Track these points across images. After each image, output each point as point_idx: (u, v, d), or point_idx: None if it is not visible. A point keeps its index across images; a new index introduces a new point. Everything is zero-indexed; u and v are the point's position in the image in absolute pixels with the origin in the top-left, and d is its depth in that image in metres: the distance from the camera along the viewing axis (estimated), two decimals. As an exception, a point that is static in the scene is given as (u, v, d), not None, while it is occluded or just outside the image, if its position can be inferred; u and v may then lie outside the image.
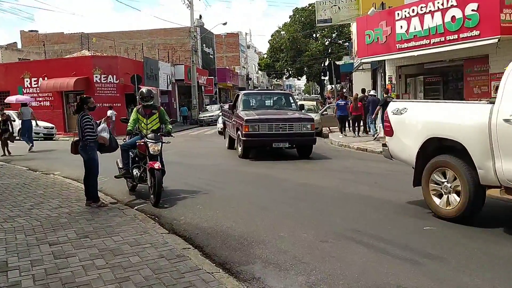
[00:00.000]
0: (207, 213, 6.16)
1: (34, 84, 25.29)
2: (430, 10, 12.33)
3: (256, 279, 3.88)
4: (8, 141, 14.11)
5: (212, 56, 45.73)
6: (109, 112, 21.04)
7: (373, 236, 4.95)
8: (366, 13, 16.47)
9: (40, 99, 25.18)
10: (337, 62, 31.00)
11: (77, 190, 7.71)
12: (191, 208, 6.46)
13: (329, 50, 49.08)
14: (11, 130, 14.10)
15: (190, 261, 4.15)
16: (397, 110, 6.21)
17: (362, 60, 17.20)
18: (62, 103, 25.12)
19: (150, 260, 4.19)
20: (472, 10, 11.18)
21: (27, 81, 25.43)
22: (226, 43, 55.59)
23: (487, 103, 5.09)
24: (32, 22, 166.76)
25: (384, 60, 15.79)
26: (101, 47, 37.33)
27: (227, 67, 51.80)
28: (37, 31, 42.77)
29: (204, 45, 41.38)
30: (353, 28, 21.25)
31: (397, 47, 13.65)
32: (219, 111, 26.41)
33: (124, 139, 7.66)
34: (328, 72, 28.23)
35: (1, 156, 13.73)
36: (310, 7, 46.75)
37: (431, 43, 12.45)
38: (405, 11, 13.21)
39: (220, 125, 20.47)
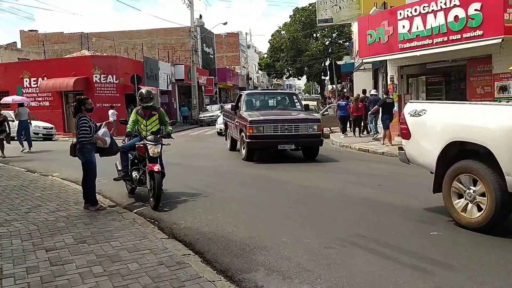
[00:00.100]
0: (207, 216, 6.04)
1: (34, 84, 25.15)
2: (432, 10, 12.20)
3: (259, 288, 3.75)
4: (5, 142, 13.88)
5: (212, 56, 45.60)
6: (110, 112, 20.98)
7: (379, 241, 4.81)
8: (367, 13, 16.36)
9: (40, 99, 25.04)
10: (338, 62, 30.84)
11: (75, 192, 7.58)
12: (191, 211, 6.34)
13: (330, 50, 48.99)
14: (8, 131, 13.89)
15: (191, 268, 4.03)
16: (415, 112, 5.85)
17: (364, 60, 17.06)
18: (61, 103, 24.98)
19: (149, 267, 4.07)
20: (476, 10, 11.06)
21: (26, 81, 25.29)
22: (226, 43, 55.48)
23: None
24: (31, 22, 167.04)
25: (386, 60, 15.66)
26: (101, 47, 37.21)
27: (227, 67, 51.66)
28: (37, 30, 42.63)
29: (204, 45, 41.26)
30: (354, 28, 21.16)
31: (399, 47, 13.51)
32: (219, 111, 26.26)
33: (123, 140, 7.53)
34: (328, 72, 28.08)
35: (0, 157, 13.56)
36: (310, 7, 46.74)
37: (434, 43, 12.32)
38: (408, 11, 13.08)
39: (219, 125, 20.30)
